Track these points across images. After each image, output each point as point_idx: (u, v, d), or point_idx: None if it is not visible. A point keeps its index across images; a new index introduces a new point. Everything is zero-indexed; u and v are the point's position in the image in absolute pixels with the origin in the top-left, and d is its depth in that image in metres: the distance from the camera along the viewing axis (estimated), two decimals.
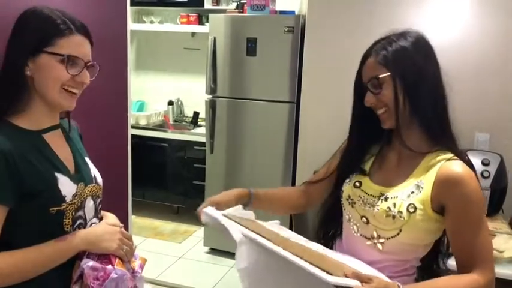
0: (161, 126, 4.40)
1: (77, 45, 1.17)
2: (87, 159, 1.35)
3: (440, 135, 1.25)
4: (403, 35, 1.26)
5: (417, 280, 1.31)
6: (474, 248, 1.18)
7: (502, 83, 2.80)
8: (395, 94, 1.22)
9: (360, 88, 1.31)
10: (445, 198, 1.19)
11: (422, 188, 1.22)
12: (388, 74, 1.22)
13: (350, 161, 1.40)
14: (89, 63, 1.21)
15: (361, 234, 1.31)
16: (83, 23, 1.21)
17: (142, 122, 4.35)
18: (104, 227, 1.26)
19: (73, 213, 1.21)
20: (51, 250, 1.15)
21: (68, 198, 1.19)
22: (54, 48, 1.14)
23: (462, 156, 1.23)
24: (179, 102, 4.62)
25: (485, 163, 2.36)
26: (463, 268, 1.20)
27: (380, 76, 1.22)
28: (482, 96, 2.82)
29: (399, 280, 1.15)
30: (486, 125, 2.78)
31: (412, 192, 1.22)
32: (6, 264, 1.10)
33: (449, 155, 1.22)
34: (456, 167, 1.19)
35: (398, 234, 1.23)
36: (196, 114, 4.40)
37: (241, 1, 3.69)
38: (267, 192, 1.49)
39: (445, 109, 1.26)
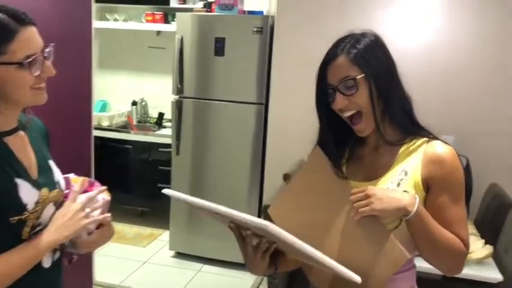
0: (124, 127, 4.28)
1: (29, 41, 1.06)
2: (51, 163, 1.26)
3: (411, 126, 1.27)
4: (363, 34, 1.25)
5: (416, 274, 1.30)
6: (453, 223, 1.19)
7: (467, 86, 2.86)
8: (371, 94, 1.20)
9: (324, 93, 1.25)
10: (432, 174, 1.20)
11: (408, 172, 1.22)
12: (363, 74, 1.19)
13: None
14: (45, 51, 1.10)
15: None
16: (19, 8, 1.08)
17: (105, 123, 4.22)
18: (57, 219, 1.15)
19: (34, 221, 1.13)
20: (19, 258, 1.08)
21: (30, 206, 1.11)
22: (8, 57, 1.03)
23: (436, 138, 1.26)
24: (143, 103, 4.51)
25: None
26: None
27: (358, 77, 1.19)
28: (448, 99, 2.88)
29: (401, 276, 1.19)
30: (451, 127, 2.84)
31: (401, 180, 1.22)
32: None
33: (427, 138, 1.25)
34: (440, 146, 1.22)
35: (400, 224, 1.20)
36: (161, 115, 4.31)
37: (209, 0, 3.63)
38: None
39: (410, 102, 1.28)
